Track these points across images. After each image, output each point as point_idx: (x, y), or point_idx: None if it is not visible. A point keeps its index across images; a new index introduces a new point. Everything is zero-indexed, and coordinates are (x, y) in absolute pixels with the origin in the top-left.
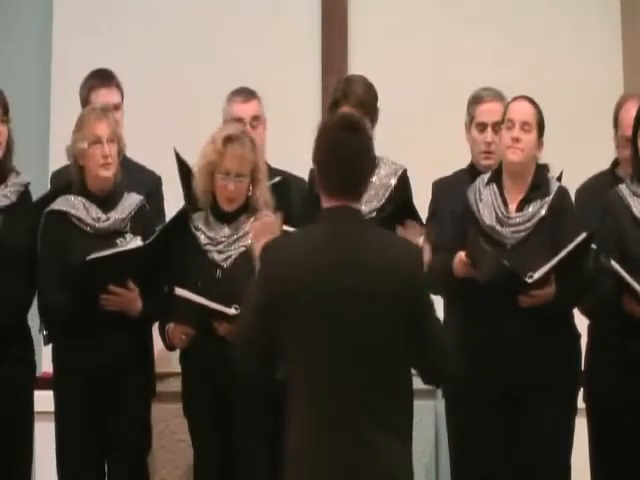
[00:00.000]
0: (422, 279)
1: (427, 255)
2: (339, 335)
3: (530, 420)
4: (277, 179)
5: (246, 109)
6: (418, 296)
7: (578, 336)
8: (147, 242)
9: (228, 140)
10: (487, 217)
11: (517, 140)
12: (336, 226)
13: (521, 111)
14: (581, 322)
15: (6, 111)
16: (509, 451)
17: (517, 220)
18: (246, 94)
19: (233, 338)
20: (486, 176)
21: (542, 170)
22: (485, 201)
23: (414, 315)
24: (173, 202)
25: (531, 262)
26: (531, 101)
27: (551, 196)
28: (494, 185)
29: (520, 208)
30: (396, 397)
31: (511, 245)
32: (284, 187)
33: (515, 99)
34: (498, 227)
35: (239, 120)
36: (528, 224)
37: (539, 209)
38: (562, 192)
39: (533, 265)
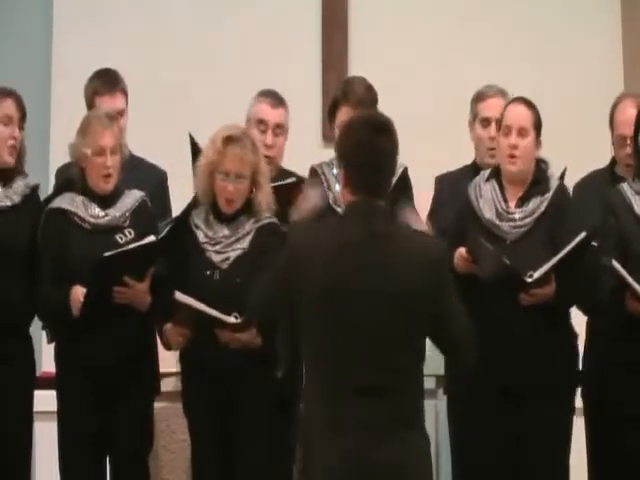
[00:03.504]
0: (445, 275)
1: None
2: (349, 326)
3: (529, 420)
4: (292, 180)
5: (273, 114)
6: (440, 291)
7: (576, 335)
8: (160, 237)
9: (228, 140)
10: (487, 212)
11: (515, 147)
12: (358, 220)
13: (517, 117)
14: (579, 321)
15: (24, 116)
16: (509, 450)
17: (517, 216)
18: (277, 100)
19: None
20: (486, 172)
21: (542, 167)
22: (485, 197)
23: (435, 310)
24: (179, 197)
25: (531, 258)
26: (527, 103)
27: (551, 192)
28: (494, 181)
29: (520, 204)
30: (407, 390)
31: (511, 241)
32: (298, 188)
33: (511, 102)
34: (498, 222)
35: (262, 122)
36: (528, 220)
37: (539, 205)
38: (561, 189)
39: (533, 261)
